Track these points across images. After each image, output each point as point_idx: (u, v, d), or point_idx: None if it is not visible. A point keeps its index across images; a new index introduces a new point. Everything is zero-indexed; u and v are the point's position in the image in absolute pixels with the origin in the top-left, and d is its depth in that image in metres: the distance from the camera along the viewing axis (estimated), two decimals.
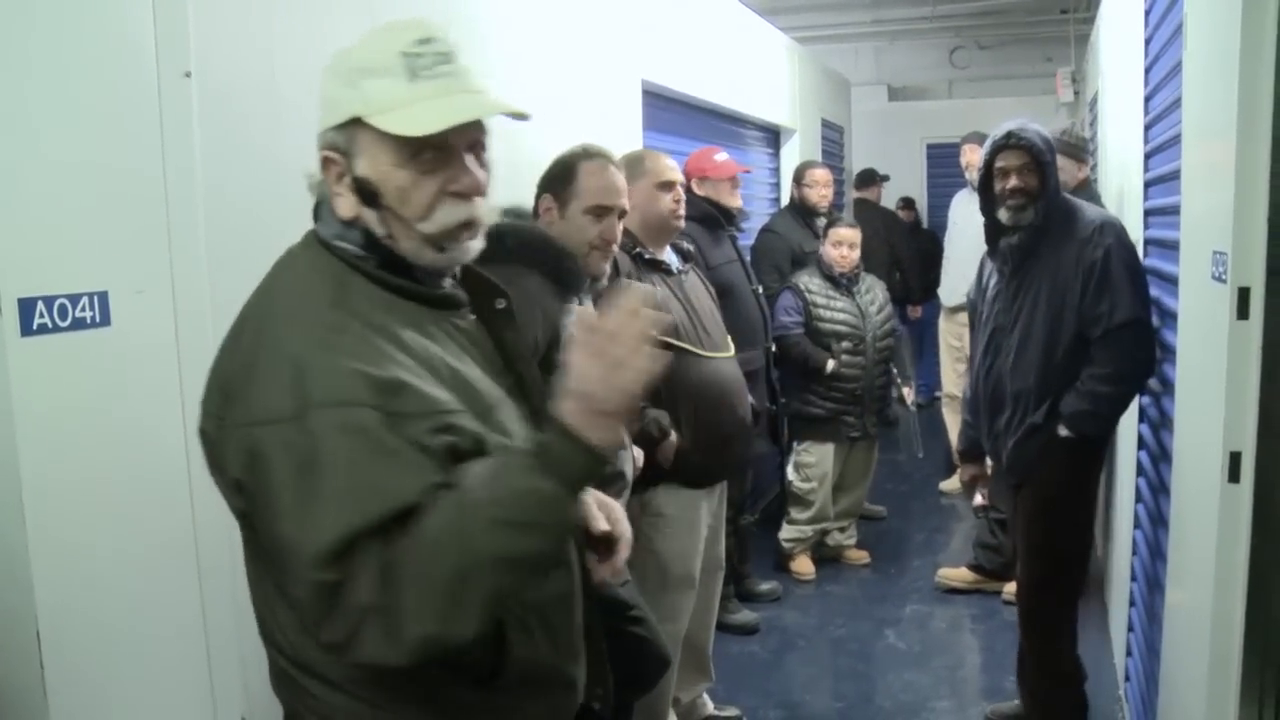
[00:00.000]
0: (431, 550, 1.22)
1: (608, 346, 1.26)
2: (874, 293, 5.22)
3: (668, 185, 3.28)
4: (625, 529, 1.72)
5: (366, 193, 1.41)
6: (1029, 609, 3.40)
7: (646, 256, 3.26)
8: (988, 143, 3.26)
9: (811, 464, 5.16)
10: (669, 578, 3.29)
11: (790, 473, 5.18)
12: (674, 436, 3.16)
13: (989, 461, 3.63)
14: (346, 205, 1.42)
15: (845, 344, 5.03)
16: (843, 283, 5.08)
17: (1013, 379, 3.25)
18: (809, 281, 5.05)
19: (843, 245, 5.07)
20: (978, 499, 3.64)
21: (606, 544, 1.68)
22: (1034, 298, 3.20)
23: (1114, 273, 3.06)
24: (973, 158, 6.16)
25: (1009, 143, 3.18)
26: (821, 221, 5.35)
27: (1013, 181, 3.18)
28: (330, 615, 1.23)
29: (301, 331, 1.31)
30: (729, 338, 3.45)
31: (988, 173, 3.25)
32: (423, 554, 1.21)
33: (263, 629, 1.48)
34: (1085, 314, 3.10)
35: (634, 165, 3.30)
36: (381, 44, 1.43)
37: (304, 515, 1.22)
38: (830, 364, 4.97)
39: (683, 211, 3.33)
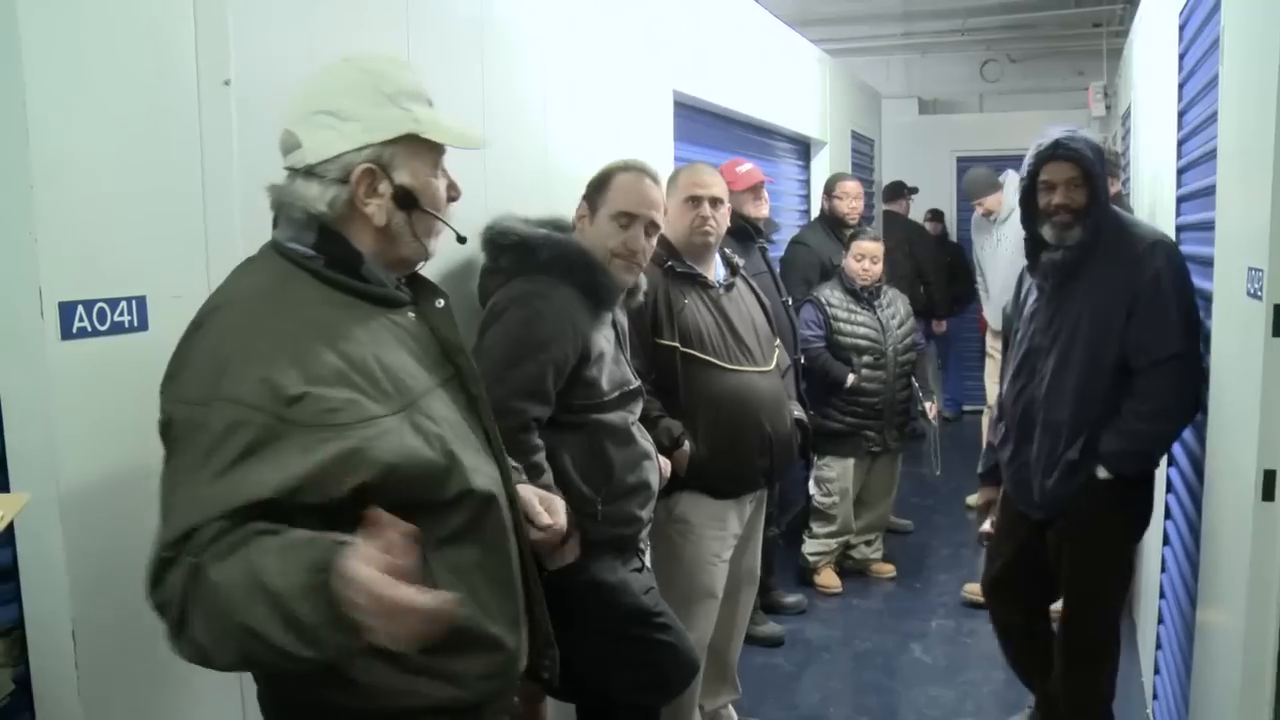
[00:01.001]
0: (217, 586, 1.35)
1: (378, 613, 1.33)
2: (895, 306, 5.20)
3: (694, 200, 3.29)
4: (563, 520, 1.92)
5: (406, 199, 1.62)
6: (1078, 648, 3.20)
7: (679, 270, 3.26)
8: (1031, 151, 3.05)
9: (832, 479, 5.15)
10: (691, 584, 3.30)
11: (812, 487, 5.17)
12: (687, 446, 3.18)
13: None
14: (381, 212, 1.62)
15: (866, 358, 5.01)
16: (864, 296, 5.06)
17: (1046, 407, 3.06)
18: (830, 295, 5.03)
19: (865, 259, 5.04)
20: (986, 525, 3.46)
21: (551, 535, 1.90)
22: (1075, 320, 3.00)
23: (1163, 300, 2.88)
24: (993, 204, 6.18)
25: (1056, 153, 2.96)
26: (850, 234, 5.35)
27: (1059, 197, 2.97)
28: (157, 585, 1.41)
29: (233, 333, 1.49)
30: (773, 352, 3.44)
31: (1031, 184, 3.04)
32: (212, 585, 1.35)
33: None
34: (1130, 342, 2.91)
35: (672, 180, 3.38)
36: (407, 75, 1.66)
37: (175, 493, 1.44)
38: (850, 378, 4.94)
39: (712, 227, 3.30)
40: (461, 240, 1.71)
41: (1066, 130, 3.00)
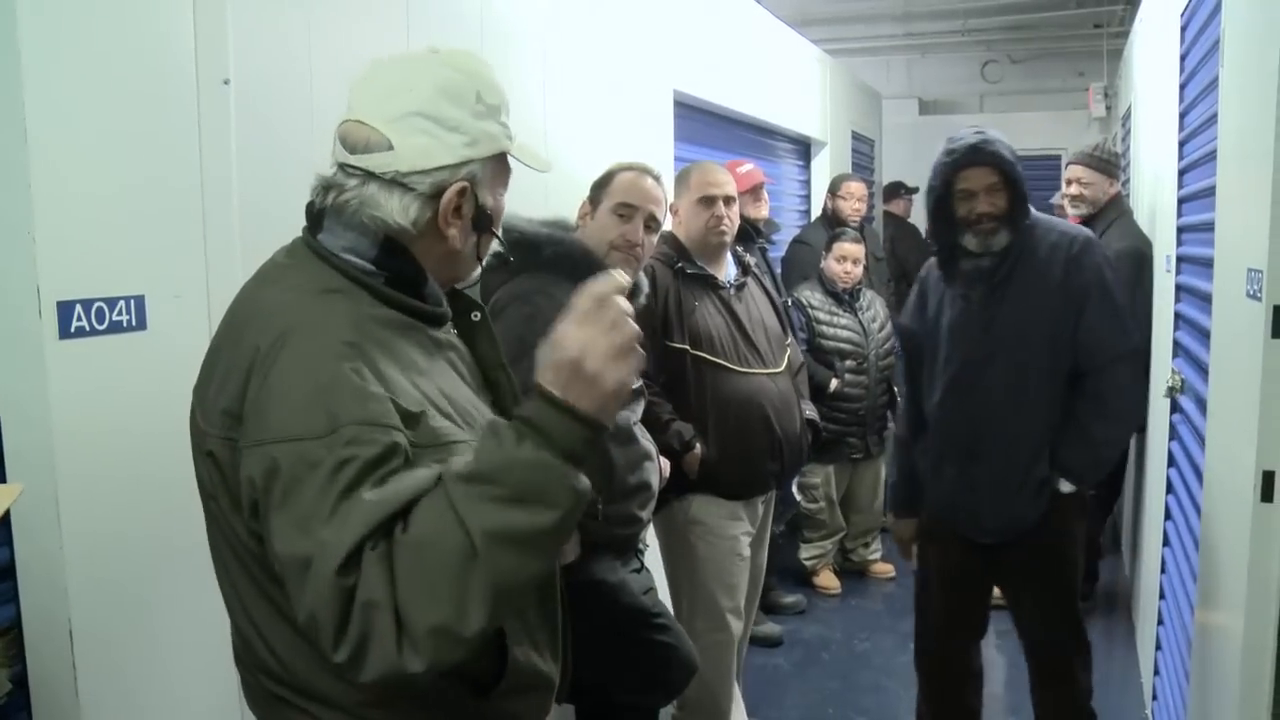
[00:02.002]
0: (430, 537, 1.19)
1: (598, 314, 1.27)
2: (875, 308, 5.15)
3: (708, 201, 3.25)
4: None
5: (483, 221, 1.49)
6: (1063, 662, 3.05)
7: (689, 271, 3.24)
8: (941, 158, 2.87)
9: (816, 485, 5.14)
10: (716, 585, 3.29)
11: (796, 494, 5.15)
12: (699, 449, 3.15)
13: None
14: (459, 235, 1.47)
15: (849, 362, 4.95)
16: (844, 298, 5.01)
17: (1002, 421, 2.87)
18: (811, 296, 4.97)
19: (846, 260, 4.97)
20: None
21: None
22: (1019, 328, 2.83)
23: (1110, 296, 2.81)
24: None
25: (975, 159, 2.79)
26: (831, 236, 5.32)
27: (982, 205, 2.80)
28: (345, 622, 1.19)
29: (323, 351, 1.29)
30: (784, 352, 3.42)
31: (945, 193, 2.85)
32: (423, 542, 1.19)
33: (246, 652, 1.45)
34: (1084, 343, 2.80)
35: (682, 179, 3.36)
36: (496, 82, 1.49)
37: (322, 526, 1.20)
38: (834, 383, 4.90)
39: (727, 226, 3.27)
40: (507, 261, 1.54)
41: (979, 132, 2.84)
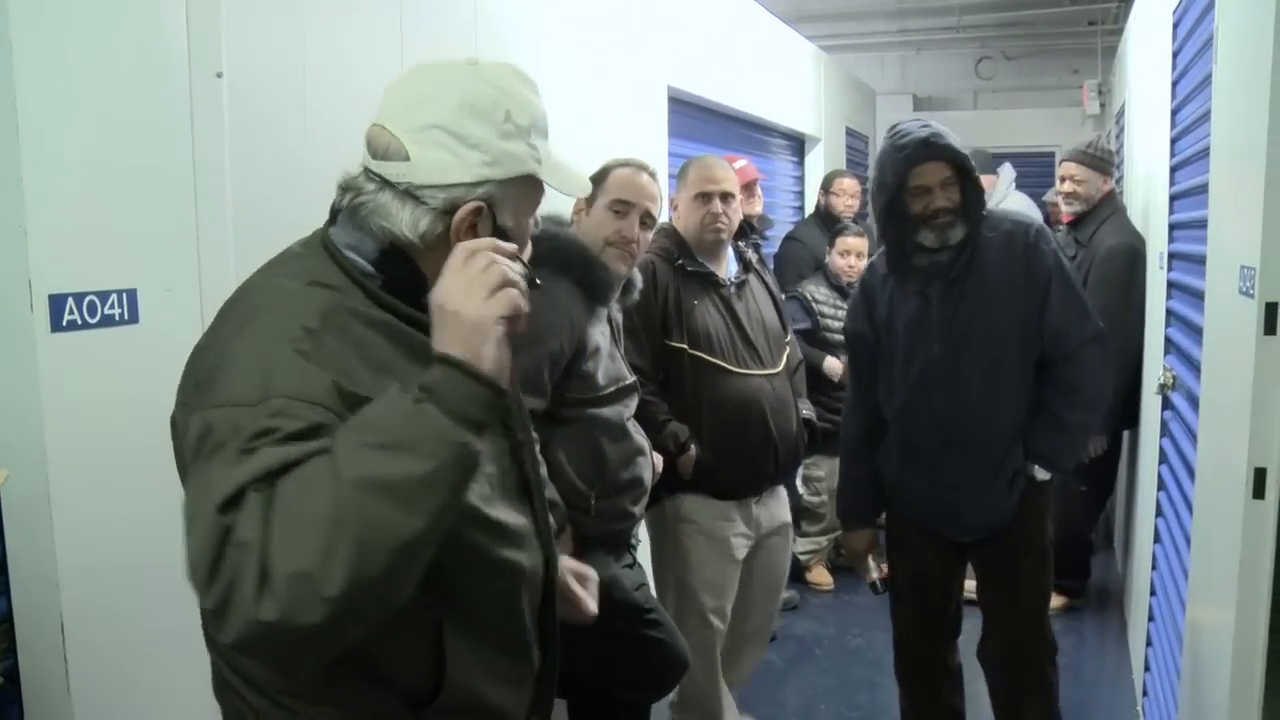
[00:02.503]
0: (304, 483, 1.16)
1: (465, 264, 1.27)
2: None
3: (704, 197, 3.20)
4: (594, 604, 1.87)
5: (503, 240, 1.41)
6: (1036, 656, 3.02)
7: (689, 268, 3.20)
8: (887, 154, 2.79)
9: (821, 477, 5.14)
10: (696, 583, 3.28)
11: (800, 486, 5.15)
12: (693, 451, 3.13)
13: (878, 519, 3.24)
14: None
15: None
16: (848, 291, 5.02)
17: (975, 417, 2.83)
18: (815, 290, 4.97)
19: (850, 254, 4.97)
20: (875, 573, 3.13)
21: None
22: (985, 321, 2.79)
23: (1069, 282, 2.81)
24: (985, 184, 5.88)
25: (927, 154, 2.73)
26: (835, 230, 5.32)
27: (939, 200, 2.75)
28: (218, 561, 1.14)
29: (280, 333, 1.29)
30: (783, 351, 3.39)
31: (896, 192, 2.77)
32: (299, 487, 1.16)
33: (207, 636, 1.44)
34: (1050, 330, 2.79)
35: (682, 174, 3.33)
36: (538, 103, 1.47)
37: (215, 473, 1.19)
38: (828, 361, 4.88)
39: (724, 223, 3.21)
40: (533, 285, 1.47)
41: (926, 125, 2.78)
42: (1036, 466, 2.86)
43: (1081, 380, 2.82)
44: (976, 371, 2.81)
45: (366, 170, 1.42)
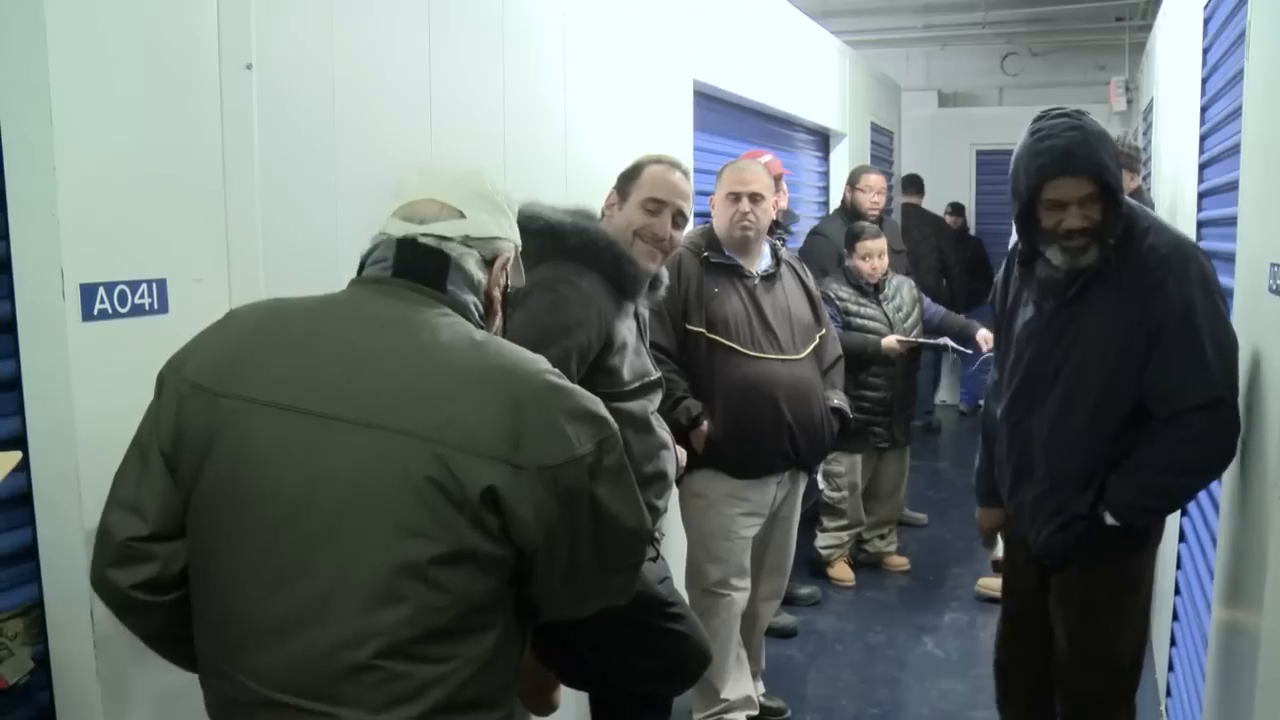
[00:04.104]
0: None
1: None
2: (900, 296, 5.14)
3: (735, 196, 3.45)
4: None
5: (508, 300, 1.75)
6: (1084, 715, 2.72)
7: (714, 260, 3.46)
8: (1023, 153, 2.50)
9: (841, 473, 5.15)
10: (699, 554, 3.54)
11: (820, 481, 5.15)
12: (705, 426, 3.36)
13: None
14: (499, 302, 1.72)
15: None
16: (869, 290, 5.03)
17: (1049, 451, 2.59)
18: (838, 289, 4.99)
19: (872, 257, 4.99)
20: (997, 551, 3.15)
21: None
22: (1083, 351, 2.51)
23: (1194, 333, 2.36)
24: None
25: (1068, 167, 2.39)
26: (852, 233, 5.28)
27: (1073, 220, 2.42)
28: None
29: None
30: (810, 342, 3.58)
31: (1031, 199, 2.47)
32: None
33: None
34: (1151, 384, 2.43)
35: (718, 176, 3.59)
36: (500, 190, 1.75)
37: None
38: (887, 340, 4.88)
39: (751, 221, 3.45)
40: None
41: (1073, 128, 2.43)
42: (1107, 512, 2.54)
43: (1172, 445, 2.43)
44: (1059, 402, 2.57)
45: (418, 235, 1.61)
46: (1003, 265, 2.86)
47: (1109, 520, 2.53)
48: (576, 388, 1.57)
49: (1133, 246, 2.46)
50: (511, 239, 1.72)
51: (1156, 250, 2.44)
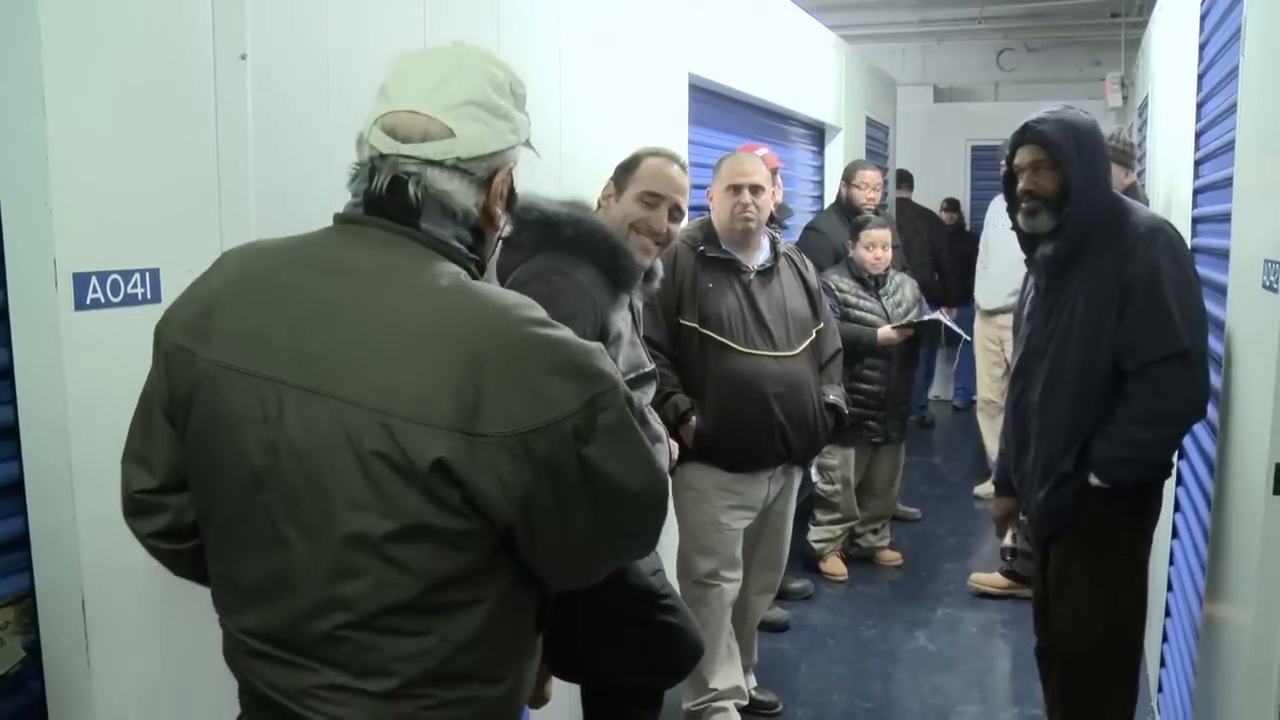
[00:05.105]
0: None
1: None
2: (901, 292, 5.16)
3: (735, 189, 3.46)
4: None
5: (512, 200, 1.56)
6: (1073, 689, 2.87)
7: (710, 254, 3.46)
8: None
9: (834, 466, 5.15)
10: (689, 546, 3.57)
11: (814, 475, 5.16)
12: (694, 421, 3.38)
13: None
14: (503, 217, 1.56)
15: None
16: (870, 284, 5.03)
17: (1040, 413, 2.81)
18: (840, 280, 5.01)
19: (875, 246, 5.02)
20: (1007, 539, 3.27)
21: None
22: (1069, 319, 2.74)
23: (1159, 294, 2.61)
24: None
25: (1024, 136, 2.76)
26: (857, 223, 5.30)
27: (1024, 182, 2.77)
28: None
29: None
30: (805, 338, 3.59)
31: (1011, 170, 2.84)
32: None
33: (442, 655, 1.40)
34: (1122, 342, 2.66)
35: (716, 168, 3.59)
36: (518, 74, 1.56)
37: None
38: (883, 330, 4.91)
39: (752, 213, 3.46)
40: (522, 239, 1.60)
41: (1049, 109, 2.78)
42: (1091, 474, 2.74)
43: (1142, 396, 2.65)
44: (1054, 370, 2.79)
45: (399, 156, 1.43)
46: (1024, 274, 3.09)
47: (1093, 480, 2.72)
48: (568, 337, 1.38)
49: (1117, 228, 2.72)
50: (517, 141, 1.51)
51: (1134, 227, 2.71)
